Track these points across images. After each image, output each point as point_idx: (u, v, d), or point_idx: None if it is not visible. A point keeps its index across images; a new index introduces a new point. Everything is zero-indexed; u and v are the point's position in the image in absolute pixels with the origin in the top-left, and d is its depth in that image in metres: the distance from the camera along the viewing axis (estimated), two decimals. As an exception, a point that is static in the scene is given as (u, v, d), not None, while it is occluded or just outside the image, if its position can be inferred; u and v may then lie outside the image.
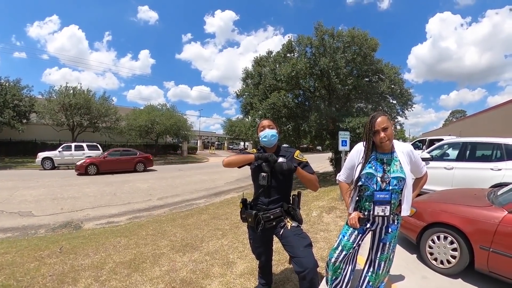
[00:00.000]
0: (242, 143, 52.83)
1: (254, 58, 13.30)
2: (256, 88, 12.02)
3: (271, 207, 2.22)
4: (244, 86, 13.41)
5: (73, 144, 18.29)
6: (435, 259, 3.22)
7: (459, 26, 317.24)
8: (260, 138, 2.28)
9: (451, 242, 3.08)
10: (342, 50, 10.49)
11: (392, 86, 11.35)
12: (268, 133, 2.24)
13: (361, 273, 2.38)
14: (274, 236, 2.36)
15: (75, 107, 22.11)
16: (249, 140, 42.44)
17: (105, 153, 16.11)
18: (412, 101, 11.90)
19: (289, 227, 2.19)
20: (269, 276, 2.66)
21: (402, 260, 3.42)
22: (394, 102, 11.99)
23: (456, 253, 3.02)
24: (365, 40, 10.58)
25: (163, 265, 3.38)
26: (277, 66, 11.67)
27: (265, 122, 2.32)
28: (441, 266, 3.16)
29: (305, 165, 2.24)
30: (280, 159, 2.12)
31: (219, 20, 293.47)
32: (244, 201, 2.37)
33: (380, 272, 2.22)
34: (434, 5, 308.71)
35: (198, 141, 48.17)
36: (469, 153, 6.16)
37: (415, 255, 3.59)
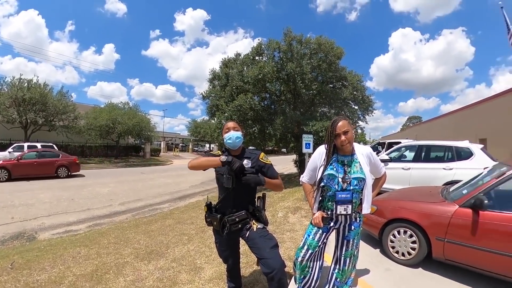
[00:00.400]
0: (207, 145, 51.57)
1: (222, 59, 13.30)
2: (223, 90, 11.96)
3: (236, 209, 2.20)
4: (210, 87, 13.29)
5: (25, 144, 16.66)
6: (397, 252, 3.42)
7: (418, 42, 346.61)
8: (225, 140, 2.24)
9: (411, 236, 3.30)
10: (308, 57, 10.86)
11: (355, 92, 11.94)
12: (233, 135, 2.20)
13: (328, 270, 2.45)
14: (240, 238, 2.34)
15: (29, 103, 19.35)
16: (215, 142, 41.66)
17: (19, 154, 13.50)
18: (373, 107, 12.60)
19: (254, 229, 2.18)
20: (238, 279, 2.63)
21: (366, 255, 3.58)
22: (356, 107, 12.61)
23: (415, 245, 3.25)
24: (331, 48, 11.06)
25: (128, 275, 3.18)
26: (245, 68, 11.74)
27: (230, 124, 2.28)
28: (402, 258, 3.37)
29: (269, 168, 2.26)
30: (245, 161, 2.13)
31: (190, 19, 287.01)
32: (208, 205, 2.31)
33: (346, 268, 2.30)
34: (398, 21, 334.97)
35: (162, 143, 45.85)
36: (424, 154, 6.72)
37: (378, 250, 3.78)
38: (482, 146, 6.19)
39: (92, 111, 26.01)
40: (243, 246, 2.57)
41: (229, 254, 2.42)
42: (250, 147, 2.50)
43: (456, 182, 4.39)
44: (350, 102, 12.41)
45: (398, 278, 3.07)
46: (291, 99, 12.31)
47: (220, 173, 2.21)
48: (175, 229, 5.08)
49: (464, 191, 3.21)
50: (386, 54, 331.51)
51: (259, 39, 12.55)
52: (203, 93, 13.34)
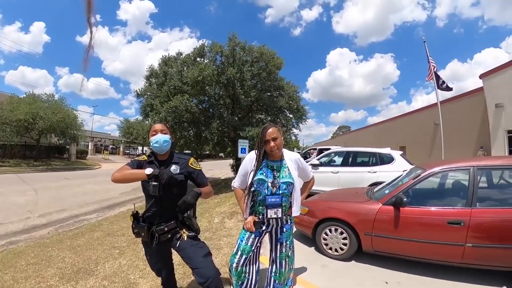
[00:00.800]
0: (140, 148, 47.56)
1: (163, 56, 12.62)
2: (160, 89, 11.38)
3: (165, 218, 2.06)
4: (147, 84, 12.51)
5: None
6: (330, 249, 3.68)
7: (353, 61, 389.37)
8: (152, 143, 2.09)
9: (341, 233, 3.59)
10: (250, 64, 11.04)
11: (290, 102, 12.52)
12: (160, 139, 2.07)
13: (266, 273, 2.48)
14: (172, 249, 2.22)
15: None
16: (148, 145, 39.08)
17: None
18: (307, 116, 13.34)
19: (185, 238, 2.06)
20: None
21: (302, 253, 3.75)
22: (291, 116, 13.19)
23: (347, 241, 3.55)
24: (272, 58, 11.45)
25: (53, 302, 2.61)
26: (185, 68, 11.38)
27: (158, 126, 2.14)
28: (336, 253, 3.63)
29: (198, 174, 2.19)
30: (173, 167, 2.05)
31: (136, 9, 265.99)
32: (135, 214, 2.10)
33: (283, 270, 2.34)
34: (337, 41, 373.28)
35: (90, 144, 40.79)
36: (351, 160, 7.46)
37: (313, 248, 3.99)
38: (401, 152, 7.15)
39: (8, 101, 21.28)
40: (178, 257, 2.39)
41: (161, 266, 2.27)
42: (186, 151, 2.36)
43: (380, 183, 4.97)
44: (285, 110, 12.94)
45: (334, 272, 3.30)
46: (230, 104, 12.31)
47: (145, 180, 2.02)
48: (105, 242, 4.54)
49: (387, 191, 3.65)
50: (323, 69, 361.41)
51: (203, 41, 12.27)
52: (138, 90, 12.44)
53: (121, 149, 48.02)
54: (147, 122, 13.19)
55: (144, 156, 2.23)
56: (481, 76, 15.54)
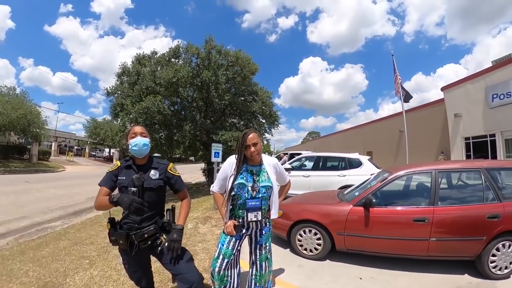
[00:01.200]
0: (107, 150, 45.10)
1: (137, 54, 12.22)
2: (131, 88, 10.98)
3: (144, 225, 1.97)
4: (118, 83, 12.01)
5: None
6: (305, 249, 3.77)
7: (324, 70, 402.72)
8: (130, 146, 2.01)
9: (315, 234, 3.70)
10: (225, 68, 11.03)
11: (263, 107, 12.63)
12: (140, 142, 2.00)
13: (247, 277, 2.51)
14: (151, 256, 2.15)
15: None
16: (116, 147, 36.54)
17: None
18: (278, 121, 13.46)
19: (166, 244, 1.99)
20: None
21: (279, 256, 3.77)
22: (264, 121, 13.28)
23: (321, 241, 3.66)
24: (248, 63, 11.51)
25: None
26: (159, 68, 11.13)
27: (138, 128, 2.06)
28: (311, 253, 3.73)
29: (177, 180, 2.15)
30: (152, 172, 2.02)
31: (110, 2, 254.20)
32: (111, 221, 2.00)
33: (264, 272, 2.39)
34: (310, 50, 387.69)
35: (53, 144, 37.63)
36: (321, 164, 7.66)
37: (288, 249, 4.05)
38: (369, 157, 7.50)
39: (-39, 94, 19.03)
40: (154, 263, 2.34)
41: (141, 275, 2.15)
42: (156, 154, 2.29)
43: (349, 186, 5.17)
44: (258, 115, 13.02)
45: (310, 271, 3.39)
46: (203, 107, 12.20)
47: (123, 186, 1.96)
48: (73, 252, 4.21)
49: (356, 193, 3.84)
50: (296, 76, 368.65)
51: (178, 41, 12.02)
52: (109, 88, 11.90)
53: (87, 150, 45.32)
54: (116, 122, 12.60)
55: (117, 162, 2.12)
56: (442, 89, 17.02)
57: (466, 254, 3.16)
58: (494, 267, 3.08)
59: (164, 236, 2.04)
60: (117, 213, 2.06)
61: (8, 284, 3.07)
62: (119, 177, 2.00)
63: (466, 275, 3.22)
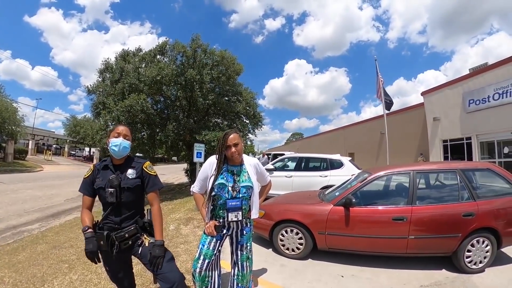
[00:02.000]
0: (87, 149, 43.56)
1: (123, 50, 11.83)
2: (114, 86, 10.65)
3: (124, 225, 1.95)
4: (100, 79, 11.62)
5: None
6: (287, 249, 3.78)
7: (309, 72, 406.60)
8: (110, 145, 1.97)
9: (297, 233, 3.72)
10: (210, 67, 10.91)
11: (247, 108, 12.62)
12: (121, 143, 1.96)
13: (229, 277, 2.50)
14: (132, 256, 2.11)
15: None
16: (97, 147, 35.22)
17: None
18: (262, 122, 13.46)
19: (147, 244, 1.98)
20: None
21: (261, 256, 3.79)
22: (247, 121, 13.22)
23: (302, 240, 3.68)
24: (233, 64, 11.46)
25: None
26: (143, 65, 10.90)
27: (123, 129, 2.02)
28: (293, 253, 3.74)
29: (149, 179, 2.06)
30: (130, 171, 1.99)
31: None
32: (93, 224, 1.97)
33: (245, 272, 2.38)
34: (295, 53, 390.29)
35: (30, 142, 35.79)
36: (304, 165, 7.76)
37: (270, 249, 4.05)
38: (350, 158, 7.62)
39: None
40: (136, 266, 2.30)
41: (123, 276, 2.12)
42: (138, 154, 2.20)
43: (330, 186, 5.24)
44: (242, 116, 12.97)
45: (293, 271, 3.41)
46: (186, 106, 12.04)
47: (101, 187, 1.92)
48: (51, 256, 4.04)
49: (337, 193, 3.89)
50: (280, 78, 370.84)
51: (166, 38, 11.70)
52: (90, 86, 11.46)
53: (66, 149, 43.51)
54: (97, 121, 12.19)
55: (91, 166, 2.07)
56: (422, 93, 17.70)
57: (443, 250, 3.29)
58: (469, 262, 3.23)
59: (145, 236, 2.01)
60: (97, 215, 2.02)
61: (-19, 291, 2.88)
62: (96, 180, 1.96)
63: (443, 270, 3.35)
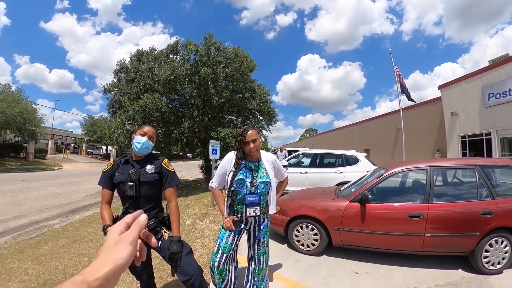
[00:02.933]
0: (104, 147, 44.56)
1: (137, 50, 12.07)
2: (129, 86, 10.89)
3: None
4: (115, 80, 11.91)
5: None
6: (302, 245, 3.82)
7: (322, 67, 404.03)
8: (133, 142, 2.07)
9: (312, 229, 3.75)
10: (224, 65, 10.97)
11: (261, 104, 12.60)
12: (143, 142, 2.06)
13: (246, 271, 2.57)
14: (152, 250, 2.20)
15: None
16: (114, 145, 36.58)
17: None
18: (276, 118, 13.46)
19: (166, 238, 2.05)
20: None
21: (276, 251, 3.84)
22: (261, 118, 13.26)
23: (317, 236, 3.71)
24: (246, 61, 11.46)
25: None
26: (156, 65, 11.07)
27: (149, 129, 2.14)
28: (308, 249, 3.78)
29: (168, 175, 2.15)
30: (149, 167, 2.07)
31: None
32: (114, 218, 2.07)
33: (261, 266, 2.44)
34: (308, 48, 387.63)
35: (50, 142, 37.24)
36: (318, 161, 7.72)
37: (285, 245, 4.11)
38: (366, 154, 7.56)
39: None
40: (153, 260, 2.39)
41: (142, 269, 2.22)
42: (153, 152, 2.33)
43: (346, 183, 5.21)
44: (256, 112, 13.00)
45: (307, 266, 3.45)
46: (200, 103, 12.15)
47: (121, 181, 2.01)
48: (71, 249, 4.23)
49: (353, 189, 3.89)
50: (293, 73, 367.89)
51: (177, 37, 11.91)
52: (106, 85, 11.78)
53: (84, 148, 45.02)
54: (113, 120, 12.49)
55: (111, 161, 2.18)
56: (439, 87, 17.08)
57: (460, 249, 3.22)
58: (487, 263, 3.14)
59: (165, 229, 2.09)
60: (115, 210, 2.11)
61: (7, 283, 3.08)
62: (116, 174, 2.05)
63: (460, 270, 3.28)
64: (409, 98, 14.45)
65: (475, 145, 14.72)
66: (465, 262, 3.33)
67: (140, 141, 2.05)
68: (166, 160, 2.20)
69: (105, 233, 1.91)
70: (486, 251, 3.13)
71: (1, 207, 7.80)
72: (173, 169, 2.19)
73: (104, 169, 2.11)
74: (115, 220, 2.04)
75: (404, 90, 13.82)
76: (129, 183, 1.97)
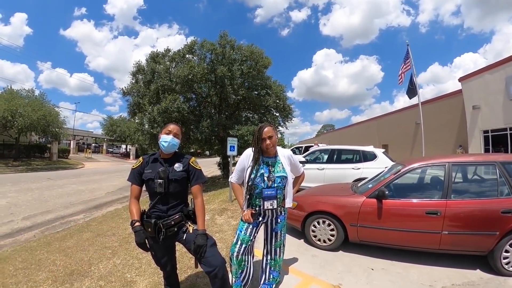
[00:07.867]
0: (123, 146, 45.98)
1: (152, 52, 12.38)
2: (147, 87, 11.21)
3: (170, 213, 2.14)
4: (133, 81, 12.29)
5: None
6: (319, 240, 3.89)
7: (339, 62, 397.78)
8: (161, 141, 2.17)
9: (329, 225, 3.80)
10: (239, 63, 11.10)
11: (277, 101, 12.66)
12: (171, 141, 2.16)
13: (261, 262, 2.71)
14: (175, 243, 2.34)
15: None
16: (134, 144, 37.61)
17: None
18: (292, 115, 13.48)
19: (191, 231, 2.16)
20: (177, 285, 2.55)
21: (293, 246, 3.93)
22: (277, 114, 13.32)
23: (334, 232, 3.76)
24: (261, 58, 11.53)
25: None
26: (174, 65, 11.30)
27: (173, 127, 2.22)
28: (324, 244, 3.84)
29: (195, 173, 2.24)
30: (177, 165, 2.17)
31: (123, 3, 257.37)
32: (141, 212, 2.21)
33: (278, 257, 2.59)
34: (323, 42, 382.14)
35: (72, 142, 39.14)
36: (336, 157, 7.67)
37: (302, 240, 4.18)
38: (383, 150, 7.48)
39: (-16, 97, 19.69)
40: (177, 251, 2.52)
41: (167, 260, 2.33)
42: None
43: (363, 179, 5.22)
44: (272, 109, 13.06)
45: (323, 261, 3.51)
46: (217, 102, 12.33)
47: (150, 178, 2.13)
48: (95, 243, 4.48)
49: (370, 185, 3.90)
50: (309, 69, 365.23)
51: (194, 37, 12.10)
52: (124, 88, 12.25)
53: (104, 147, 46.70)
54: (133, 120, 12.90)
55: (140, 158, 2.29)
56: (460, 80, 16.41)
57: (478, 248, 3.14)
58: (507, 264, 3.02)
59: (190, 223, 2.21)
60: (142, 204, 2.25)
61: (37, 272, 3.32)
62: (145, 171, 2.17)
63: (478, 270, 3.20)
64: (411, 95, 13.79)
65: (499, 140, 14.07)
66: (484, 262, 3.24)
67: (166, 140, 2.15)
68: (193, 158, 2.31)
69: (133, 227, 2.06)
70: (506, 251, 3.01)
71: (29, 203, 8.31)
72: (199, 167, 2.29)
73: (133, 166, 2.24)
74: (142, 213, 2.18)
75: (409, 85, 13.30)
76: (159, 180, 2.08)
